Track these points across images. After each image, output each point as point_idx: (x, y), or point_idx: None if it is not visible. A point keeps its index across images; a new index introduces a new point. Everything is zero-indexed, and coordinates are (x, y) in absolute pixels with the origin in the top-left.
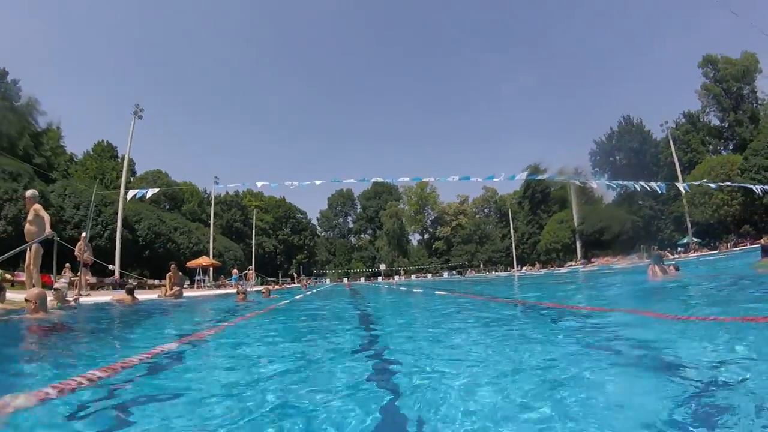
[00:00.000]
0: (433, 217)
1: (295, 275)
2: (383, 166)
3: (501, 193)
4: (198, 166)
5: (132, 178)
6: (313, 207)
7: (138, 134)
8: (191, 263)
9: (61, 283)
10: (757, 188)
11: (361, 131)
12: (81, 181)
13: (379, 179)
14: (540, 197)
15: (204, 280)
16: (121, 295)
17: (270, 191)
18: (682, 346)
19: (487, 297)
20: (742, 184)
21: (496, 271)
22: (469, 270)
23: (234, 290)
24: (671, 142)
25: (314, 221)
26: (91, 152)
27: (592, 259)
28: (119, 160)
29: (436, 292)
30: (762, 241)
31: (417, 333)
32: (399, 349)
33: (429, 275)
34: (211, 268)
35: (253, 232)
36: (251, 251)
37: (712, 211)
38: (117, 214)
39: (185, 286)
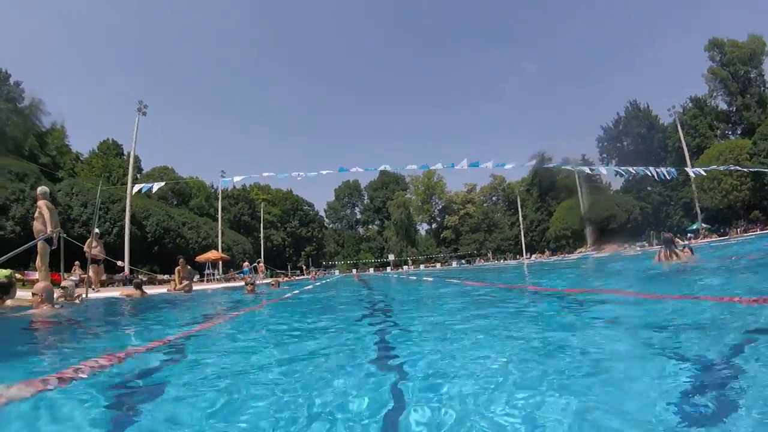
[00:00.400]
0: (440, 206)
1: (304, 267)
2: (389, 158)
3: (509, 181)
4: (205, 161)
5: (138, 175)
6: (320, 199)
7: (144, 132)
8: (200, 257)
9: (68, 281)
10: None
11: (367, 126)
12: (87, 179)
13: (387, 167)
14: (548, 184)
15: (213, 274)
16: (129, 290)
17: (277, 184)
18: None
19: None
20: (753, 168)
21: (505, 259)
22: (478, 258)
23: (243, 282)
24: (679, 127)
25: (322, 213)
26: (97, 151)
27: (603, 247)
28: (125, 157)
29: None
30: None
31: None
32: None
33: (438, 265)
34: (220, 262)
35: (261, 225)
36: (260, 244)
37: (722, 196)
38: (125, 210)
39: (194, 280)
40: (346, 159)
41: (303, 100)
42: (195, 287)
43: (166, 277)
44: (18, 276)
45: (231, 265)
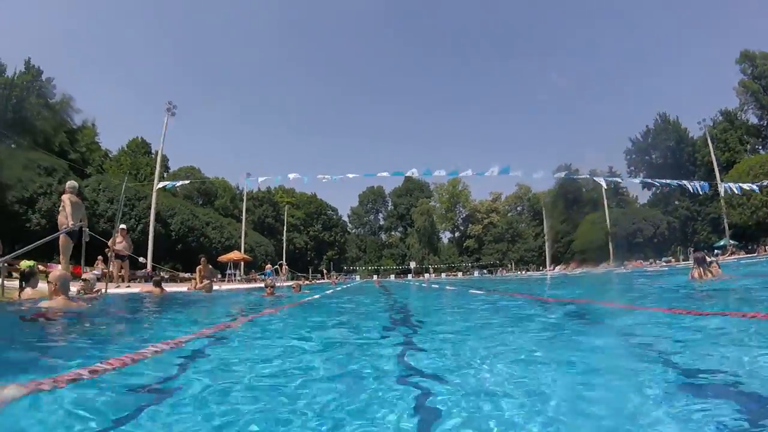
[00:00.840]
0: (464, 214)
1: (325, 271)
2: (416, 165)
3: (534, 191)
4: (231, 163)
5: (165, 174)
6: (344, 204)
7: (172, 133)
8: (223, 257)
9: (90, 274)
10: None
11: (394, 131)
12: (115, 176)
13: (414, 172)
14: (572, 197)
15: (235, 275)
16: (149, 287)
17: (302, 187)
18: None
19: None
20: None
21: (527, 270)
22: (500, 269)
23: (263, 285)
24: (709, 140)
25: (345, 218)
26: (126, 148)
27: (625, 262)
28: (153, 156)
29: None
30: None
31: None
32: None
33: (459, 274)
34: (242, 263)
35: (285, 227)
36: (282, 247)
37: (751, 212)
38: (150, 208)
39: (215, 279)
40: (373, 165)
41: (331, 105)
42: (215, 287)
43: (187, 275)
44: (41, 267)
45: (253, 266)
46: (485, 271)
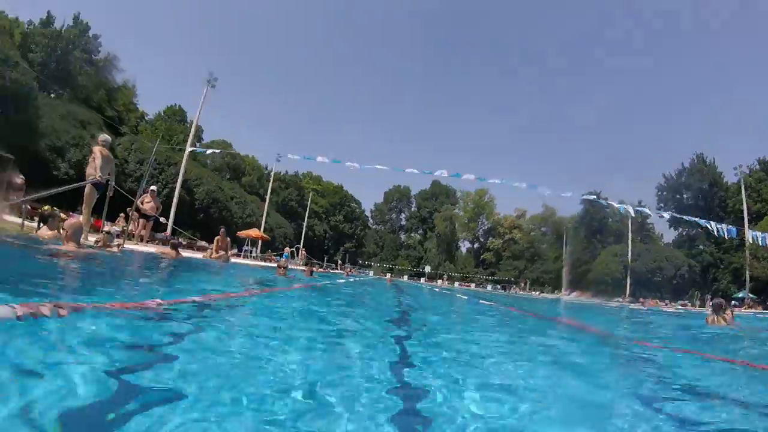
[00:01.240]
0: (486, 226)
1: (340, 262)
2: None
3: (559, 214)
4: (264, 143)
5: (198, 144)
6: (368, 198)
7: (210, 106)
8: (241, 233)
9: (112, 228)
10: None
11: (428, 134)
12: (148, 138)
13: (443, 173)
14: (597, 226)
15: (251, 252)
16: (166, 249)
17: (329, 176)
18: None
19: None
20: None
21: (542, 291)
22: (515, 287)
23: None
24: (742, 188)
25: (367, 213)
26: (163, 114)
27: (641, 299)
28: (188, 124)
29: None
30: None
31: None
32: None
33: (472, 285)
34: (260, 241)
35: (307, 213)
36: (302, 232)
37: None
38: (178, 174)
39: (232, 253)
40: (402, 164)
41: (370, 99)
42: (231, 260)
43: (204, 243)
44: (62, 216)
45: (270, 246)
46: (499, 286)
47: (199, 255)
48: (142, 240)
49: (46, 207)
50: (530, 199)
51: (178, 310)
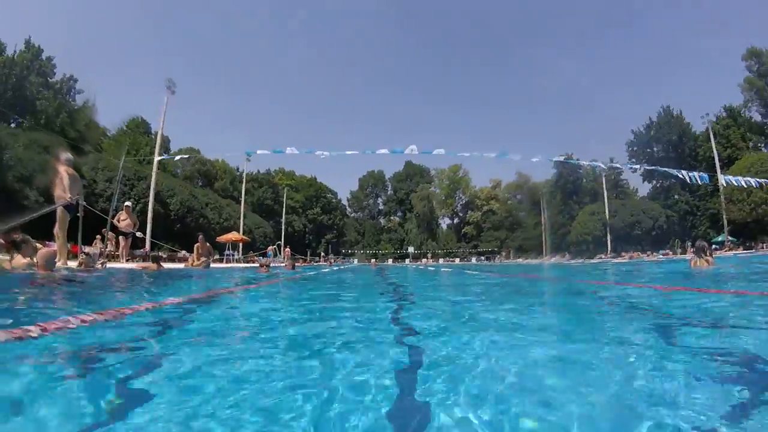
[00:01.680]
0: (464, 201)
1: (323, 254)
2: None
3: (534, 180)
4: (232, 145)
5: (165, 155)
6: (344, 187)
7: (172, 115)
8: (221, 238)
9: (92, 249)
10: None
11: (396, 117)
12: (114, 155)
13: (413, 149)
14: (572, 188)
15: (233, 255)
16: (147, 264)
17: (301, 170)
18: None
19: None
20: None
21: (526, 258)
22: (498, 256)
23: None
24: (711, 136)
25: (344, 202)
26: (125, 128)
27: (622, 253)
28: (153, 136)
29: None
30: None
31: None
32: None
33: (457, 260)
34: (240, 244)
35: (284, 210)
36: (281, 229)
37: (750, 209)
38: (150, 188)
39: (214, 258)
40: (371, 148)
41: (335, 89)
42: (213, 266)
43: (185, 254)
44: (38, 246)
45: (251, 248)
46: (483, 258)
47: (181, 266)
48: (122, 258)
49: (16, 235)
50: (504, 169)
51: (158, 313)
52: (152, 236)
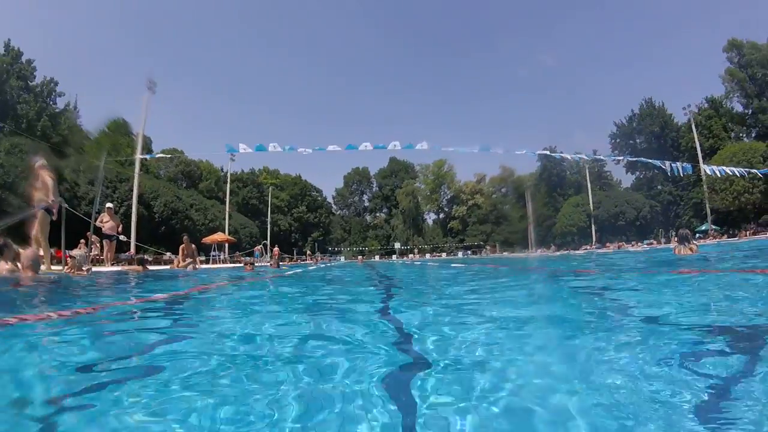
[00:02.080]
0: (449, 196)
1: (309, 252)
2: (399, 149)
3: (518, 174)
4: (216, 145)
5: (148, 156)
6: (329, 185)
7: (155, 116)
8: (207, 239)
9: (77, 251)
10: None
11: (378, 114)
12: (95, 157)
13: (396, 144)
14: (556, 180)
15: (219, 256)
16: (133, 266)
17: (286, 169)
18: None
19: None
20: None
21: (512, 251)
22: (485, 249)
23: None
24: (693, 127)
25: (330, 199)
26: (107, 130)
27: (607, 244)
28: (134, 136)
29: None
30: None
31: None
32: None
33: (443, 254)
34: (226, 245)
35: (269, 209)
36: (267, 228)
37: (733, 198)
38: (132, 190)
39: (201, 259)
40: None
41: (318, 89)
42: (199, 267)
43: (169, 255)
44: (20, 250)
45: (237, 248)
46: (469, 252)
47: (167, 268)
48: (108, 262)
49: None
50: (488, 164)
51: (150, 308)
52: (137, 239)
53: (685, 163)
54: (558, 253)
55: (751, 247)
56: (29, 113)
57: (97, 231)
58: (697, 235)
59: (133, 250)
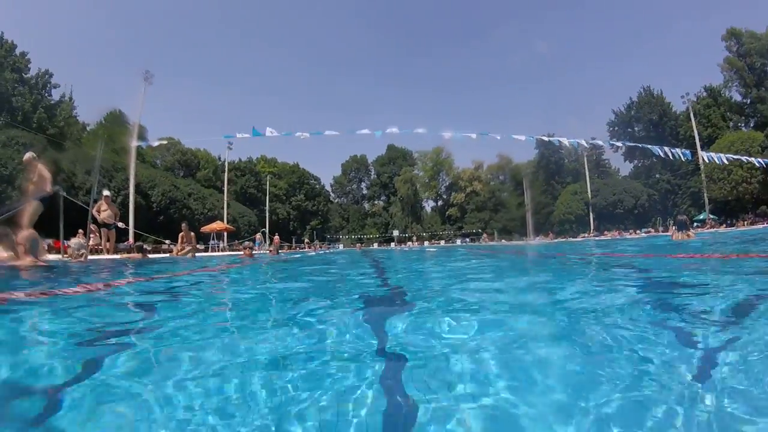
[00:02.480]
0: (447, 183)
1: (307, 241)
2: (397, 136)
3: (516, 162)
4: (213, 134)
5: (144, 146)
6: (326, 173)
7: (151, 106)
8: (206, 228)
9: (74, 240)
10: None
11: (374, 102)
12: (92, 148)
13: (395, 129)
14: (554, 168)
15: (218, 245)
16: (132, 254)
17: (284, 157)
18: None
19: None
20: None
21: (510, 240)
22: (484, 236)
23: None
24: (692, 115)
25: (328, 187)
26: (104, 121)
27: (605, 232)
28: (131, 127)
29: None
30: None
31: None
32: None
33: (442, 242)
34: (225, 233)
35: (267, 198)
36: (265, 217)
37: (731, 187)
38: (129, 179)
39: (199, 248)
40: (355, 135)
41: (315, 79)
42: (198, 255)
43: (169, 243)
44: (19, 235)
45: (236, 237)
46: (468, 239)
47: (166, 256)
48: (108, 252)
49: None
50: (486, 152)
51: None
52: (135, 227)
53: (683, 150)
54: (556, 241)
55: (745, 235)
56: (24, 105)
57: (95, 220)
58: (695, 224)
59: (131, 239)
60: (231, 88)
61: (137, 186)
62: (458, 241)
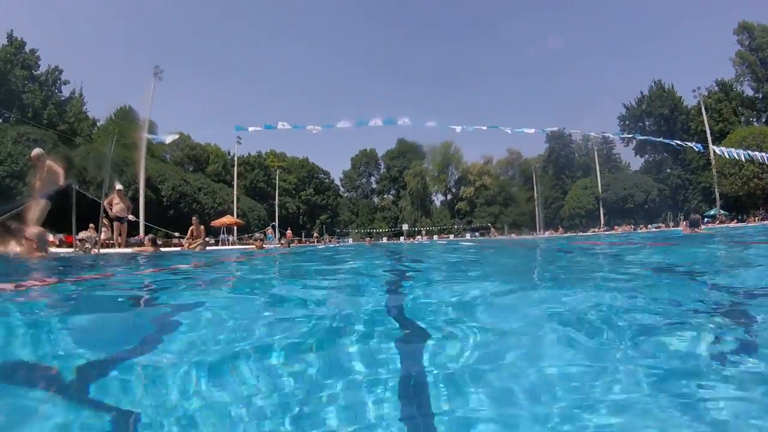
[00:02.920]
0: (456, 177)
1: (316, 235)
2: (408, 130)
3: (525, 156)
4: (222, 129)
5: (154, 142)
6: (336, 167)
7: (161, 102)
8: (215, 222)
9: (84, 233)
10: None
11: (384, 96)
12: (103, 144)
13: (406, 120)
14: (564, 162)
15: (228, 239)
16: (144, 247)
17: (293, 151)
18: None
19: None
20: None
21: (519, 234)
22: (493, 231)
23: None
24: (703, 110)
25: (337, 182)
26: (114, 117)
27: (615, 227)
28: (141, 123)
29: None
30: None
31: None
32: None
33: (451, 236)
34: (235, 227)
35: (277, 192)
36: (275, 211)
37: (742, 183)
38: (139, 174)
39: (209, 242)
40: (365, 133)
41: (326, 72)
42: (209, 248)
43: (178, 235)
44: (28, 230)
45: (246, 231)
46: (477, 233)
47: (177, 249)
48: (120, 246)
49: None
50: (495, 146)
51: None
52: (145, 220)
53: (696, 143)
54: (566, 235)
55: (757, 231)
56: (35, 102)
57: (107, 214)
58: (706, 219)
59: (142, 234)
60: (239, 83)
61: (147, 180)
62: (467, 235)
